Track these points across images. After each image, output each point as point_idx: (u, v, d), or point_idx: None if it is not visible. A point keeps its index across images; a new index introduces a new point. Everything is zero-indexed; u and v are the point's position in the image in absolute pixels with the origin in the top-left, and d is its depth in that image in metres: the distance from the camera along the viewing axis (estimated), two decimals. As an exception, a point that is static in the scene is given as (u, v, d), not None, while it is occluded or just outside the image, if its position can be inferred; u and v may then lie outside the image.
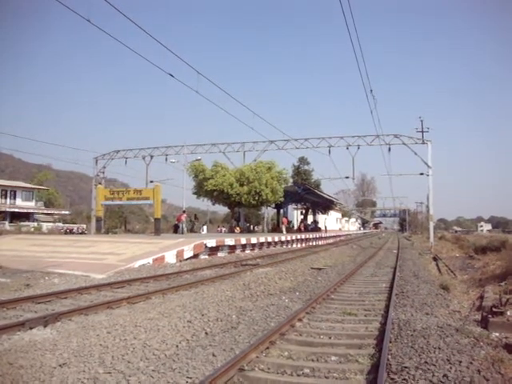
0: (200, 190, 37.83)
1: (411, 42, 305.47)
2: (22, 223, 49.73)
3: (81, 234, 44.65)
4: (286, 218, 46.81)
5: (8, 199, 58.81)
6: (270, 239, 28.79)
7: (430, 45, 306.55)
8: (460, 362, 5.24)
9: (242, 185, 36.07)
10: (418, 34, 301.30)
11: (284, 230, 40.95)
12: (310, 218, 57.69)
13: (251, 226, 52.00)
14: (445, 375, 4.83)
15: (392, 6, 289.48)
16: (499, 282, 12.56)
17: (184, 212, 36.59)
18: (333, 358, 5.73)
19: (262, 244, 27.18)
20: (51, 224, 54.41)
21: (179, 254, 17.56)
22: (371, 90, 24.04)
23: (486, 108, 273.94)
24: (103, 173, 42.31)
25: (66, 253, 17.52)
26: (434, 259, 25.53)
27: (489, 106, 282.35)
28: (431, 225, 36.84)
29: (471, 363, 5.21)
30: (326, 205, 59.72)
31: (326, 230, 56.27)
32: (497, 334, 6.94)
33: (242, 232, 38.70)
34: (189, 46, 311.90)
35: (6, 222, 49.35)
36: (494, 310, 8.01)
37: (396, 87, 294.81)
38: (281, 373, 5.20)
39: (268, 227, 50.66)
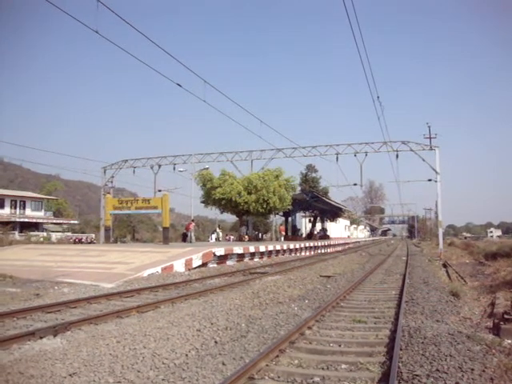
0: (208, 199, 37.94)
1: (417, 48, 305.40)
2: (32, 233, 49.97)
3: (90, 243, 44.82)
4: (283, 225, 47.76)
5: (17, 209, 59.24)
6: (278, 247, 28.75)
7: (435, 50, 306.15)
8: (472, 369, 5.18)
9: (249, 193, 36.12)
10: (423, 39, 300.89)
11: (282, 238, 41.20)
12: (318, 226, 57.52)
13: (259, 234, 52.06)
14: (457, 383, 4.77)
15: (397, 11, 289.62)
16: (510, 289, 12.42)
17: (193, 221, 36.71)
18: (343, 366, 5.69)
19: (270, 252, 27.13)
20: (60, 234, 54.63)
21: (188, 263, 17.56)
22: (378, 97, 24.10)
23: (494, 113, 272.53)
24: (112, 182, 42.45)
25: (75, 262, 17.60)
26: (444, 266, 25.29)
27: (496, 111, 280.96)
28: (440, 231, 36.49)
29: (484, 371, 5.15)
30: (334, 212, 59.56)
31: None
32: (509, 341, 6.84)
33: (250, 240, 38.70)
34: (196, 55, 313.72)
35: (16, 232, 49.63)
36: (505, 316, 7.92)
37: (403, 94, 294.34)
38: (291, 381, 5.17)
39: (276, 235, 50.70)
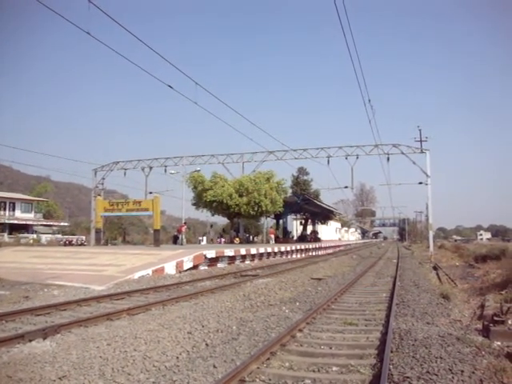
0: (199, 201, 37.94)
1: (409, 50, 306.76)
2: (21, 235, 49.57)
3: (80, 245, 44.52)
4: (273, 229, 48.34)
5: (7, 211, 58.70)
6: (269, 250, 28.78)
7: (428, 52, 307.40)
8: (462, 371, 5.22)
9: (241, 195, 36.15)
10: (417, 41, 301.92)
11: (272, 241, 41.40)
12: (309, 228, 57.65)
13: (250, 237, 52.08)
14: (447, 385, 4.80)
15: (390, 12, 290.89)
16: (500, 291, 12.52)
17: (185, 223, 36.66)
18: (334, 368, 5.69)
19: (261, 254, 27.14)
20: (50, 236, 54.24)
21: (179, 265, 17.52)
22: (369, 100, 24.10)
23: (485, 116, 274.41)
24: (102, 184, 42.19)
25: (65, 264, 17.48)
26: (434, 268, 25.46)
27: (487, 115, 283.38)
28: (431, 234, 36.72)
29: (473, 373, 5.18)
30: (325, 215, 59.74)
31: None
32: (498, 343, 6.90)
33: (241, 243, 38.70)
34: (187, 57, 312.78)
35: (5, 234, 49.19)
36: (495, 318, 7.98)
37: (395, 97, 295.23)
38: (282, 384, 5.17)
39: (267, 238, 50.85)
